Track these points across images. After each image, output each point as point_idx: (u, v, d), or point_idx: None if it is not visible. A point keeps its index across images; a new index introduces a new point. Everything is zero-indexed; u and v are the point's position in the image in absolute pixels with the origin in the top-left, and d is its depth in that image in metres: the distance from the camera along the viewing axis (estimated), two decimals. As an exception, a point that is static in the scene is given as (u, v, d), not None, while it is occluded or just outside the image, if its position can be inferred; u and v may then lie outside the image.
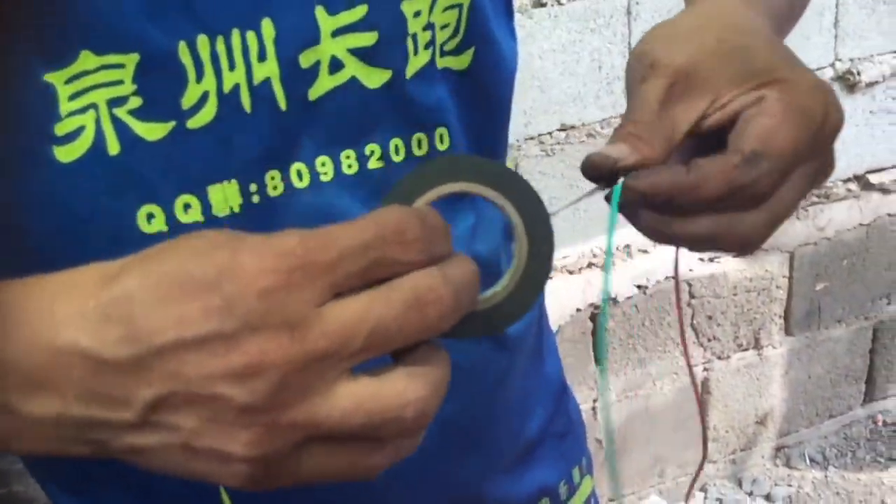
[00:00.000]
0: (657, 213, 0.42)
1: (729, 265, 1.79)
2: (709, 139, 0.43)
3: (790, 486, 1.99)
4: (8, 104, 0.39)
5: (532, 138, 1.54)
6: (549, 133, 1.54)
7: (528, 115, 1.52)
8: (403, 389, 0.30)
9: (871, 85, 1.76)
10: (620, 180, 0.41)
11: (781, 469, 2.04)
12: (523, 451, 0.63)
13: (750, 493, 1.99)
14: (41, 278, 0.31)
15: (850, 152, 1.81)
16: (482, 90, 0.51)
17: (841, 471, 2.02)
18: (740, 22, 0.45)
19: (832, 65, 1.72)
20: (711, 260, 1.78)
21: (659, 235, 0.43)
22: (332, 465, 0.31)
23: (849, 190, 1.85)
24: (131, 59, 0.39)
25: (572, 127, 1.56)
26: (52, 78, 0.38)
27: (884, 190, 1.88)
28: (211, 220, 0.43)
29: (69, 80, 0.39)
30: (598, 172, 0.41)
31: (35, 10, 0.38)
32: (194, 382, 0.29)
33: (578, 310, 1.69)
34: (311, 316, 0.29)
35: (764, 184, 0.40)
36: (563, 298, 1.65)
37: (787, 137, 0.40)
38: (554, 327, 1.66)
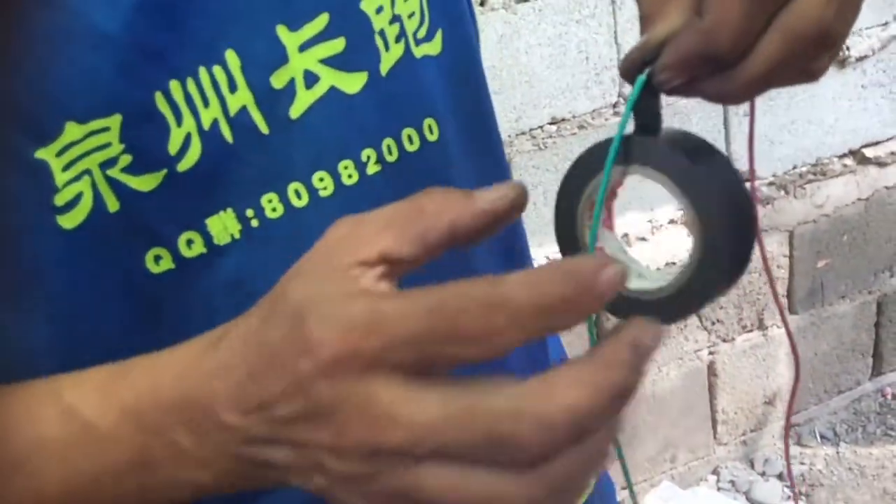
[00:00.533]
0: (716, 75, 0.37)
1: (728, 248, 1.79)
2: None
3: (802, 463, 2.00)
4: (7, 184, 0.40)
5: (523, 133, 1.54)
6: (541, 127, 1.54)
7: (518, 110, 1.52)
8: (499, 493, 0.29)
9: (861, 59, 1.76)
10: (644, 74, 0.36)
11: (793, 448, 2.04)
12: None
13: (762, 474, 1.99)
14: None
15: (844, 127, 1.81)
16: (460, 70, 0.52)
17: (852, 446, 2.02)
18: None
19: (821, 41, 1.71)
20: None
21: (742, 92, 0.38)
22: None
23: (845, 165, 1.85)
24: (115, 121, 0.40)
25: (563, 119, 1.55)
26: (43, 154, 0.39)
27: (880, 163, 1.88)
28: (214, 250, 0.43)
29: (59, 153, 0.39)
30: (635, 66, 0.37)
31: (15, 90, 0.39)
32: (301, 453, 0.32)
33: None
34: (378, 405, 0.30)
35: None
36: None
37: None
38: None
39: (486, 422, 0.28)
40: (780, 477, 1.98)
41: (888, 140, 1.87)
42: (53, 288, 0.42)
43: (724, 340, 1.89)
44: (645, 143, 0.35)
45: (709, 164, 0.34)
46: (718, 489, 1.96)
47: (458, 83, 0.52)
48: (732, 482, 1.97)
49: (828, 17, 0.35)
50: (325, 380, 0.30)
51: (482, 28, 1.44)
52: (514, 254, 0.58)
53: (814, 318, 1.96)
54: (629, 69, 0.37)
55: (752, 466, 2.01)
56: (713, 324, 1.86)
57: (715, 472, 2.01)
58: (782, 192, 1.81)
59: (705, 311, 1.83)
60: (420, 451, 0.29)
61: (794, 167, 1.80)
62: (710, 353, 1.89)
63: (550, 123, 1.55)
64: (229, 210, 0.43)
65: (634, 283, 0.36)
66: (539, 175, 1.57)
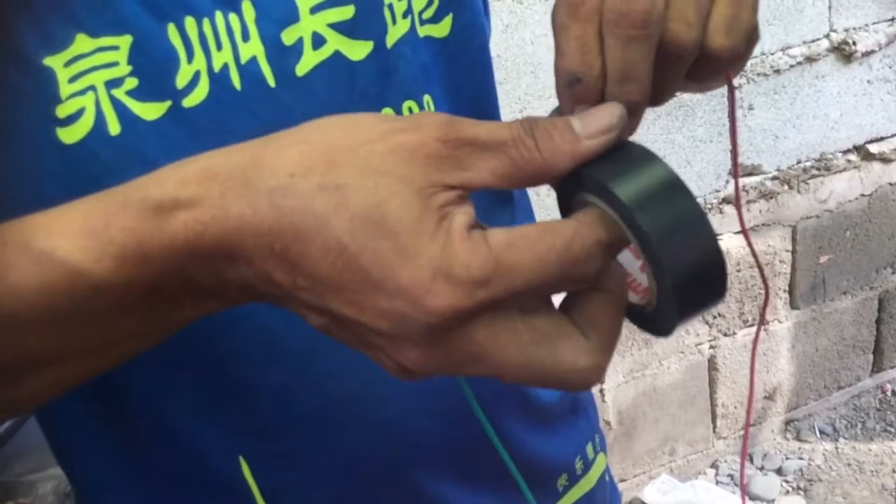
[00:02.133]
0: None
1: (731, 242, 1.79)
2: None
3: (801, 458, 2.00)
4: (11, 87, 0.40)
5: (527, 124, 1.53)
6: (545, 118, 1.54)
7: (522, 101, 1.51)
8: (569, 358, 0.32)
9: (867, 55, 1.75)
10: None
11: (792, 442, 2.05)
12: (541, 422, 0.63)
13: (761, 468, 1.99)
14: None
15: (849, 123, 1.81)
16: (465, 56, 0.53)
17: (851, 442, 2.02)
18: None
19: (827, 36, 1.71)
20: (713, 237, 1.78)
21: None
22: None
23: (849, 161, 1.85)
24: (125, 41, 0.41)
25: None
26: (50, 62, 0.40)
27: (884, 159, 1.87)
28: None
29: (67, 63, 0.40)
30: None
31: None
32: (364, 339, 0.32)
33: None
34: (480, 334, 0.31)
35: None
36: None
37: None
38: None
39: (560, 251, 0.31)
40: (778, 471, 1.98)
41: (893, 136, 1.86)
42: (47, 203, 0.41)
43: (725, 335, 1.89)
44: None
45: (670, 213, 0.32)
46: (717, 483, 1.97)
47: (462, 69, 0.52)
48: (731, 476, 1.98)
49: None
50: (424, 326, 0.30)
51: (488, 18, 1.44)
52: (510, 200, 0.59)
53: (815, 314, 1.96)
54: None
55: (751, 461, 2.01)
56: (714, 318, 1.86)
57: (714, 465, 2.01)
58: (786, 187, 1.81)
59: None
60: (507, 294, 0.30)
61: (798, 162, 1.80)
62: (711, 347, 1.89)
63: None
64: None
65: (631, 297, 0.36)
66: (542, 166, 1.56)
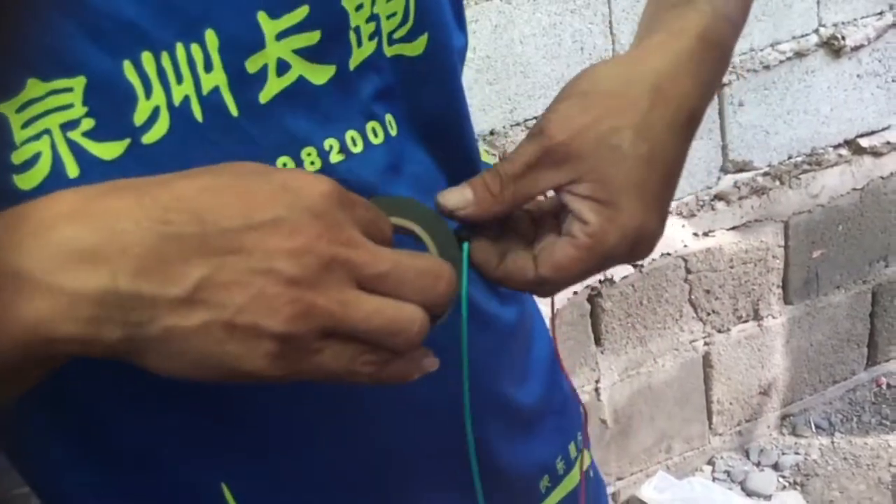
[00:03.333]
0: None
1: (724, 238, 1.79)
2: None
3: (797, 453, 2.00)
4: None
5: (518, 124, 1.53)
6: (535, 118, 1.54)
7: (512, 101, 1.51)
8: (414, 311, 0.38)
9: (856, 49, 1.75)
10: (466, 245, 0.48)
11: (788, 437, 2.05)
12: (521, 427, 0.63)
13: (758, 464, 1.99)
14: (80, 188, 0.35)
15: (840, 117, 1.81)
16: (438, 74, 0.52)
17: (847, 436, 2.02)
18: (644, 113, 0.46)
19: (816, 31, 1.71)
20: (706, 234, 1.78)
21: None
22: (346, 363, 0.38)
23: (840, 155, 1.85)
24: (78, 83, 0.40)
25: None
26: (2, 108, 0.39)
27: (875, 153, 1.87)
28: None
29: (20, 109, 0.39)
30: (440, 210, 0.47)
31: None
32: (254, 257, 0.34)
33: (575, 292, 1.69)
34: (355, 231, 0.37)
35: (541, 292, 0.49)
36: (559, 282, 1.65)
37: (575, 273, 0.47)
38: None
39: (424, 262, 0.40)
40: (775, 467, 1.98)
41: (883, 130, 1.86)
42: None
43: (720, 331, 1.89)
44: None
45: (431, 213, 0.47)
46: (714, 479, 1.97)
47: (431, 88, 0.52)
48: (728, 472, 1.98)
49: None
50: (320, 198, 0.36)
51: (477, 18, 1.43)
52: None
53: (809, 309, 1.96)
54: (441, 210, 0.47)
55: (748, 456, 2.01)
56: (708, 314, 1.86)
57: (710, 462, 2.01)
58: (777, 183, 1.81)
59: (700, 301, 1.83)
60: (373, 271, 0.37)
61: (790, 157, 1.80)
62: (706, 343, 1.89)
63: (545, 114, 1.55)
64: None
65: None
66: (534, 166, 1.56)
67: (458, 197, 0.47)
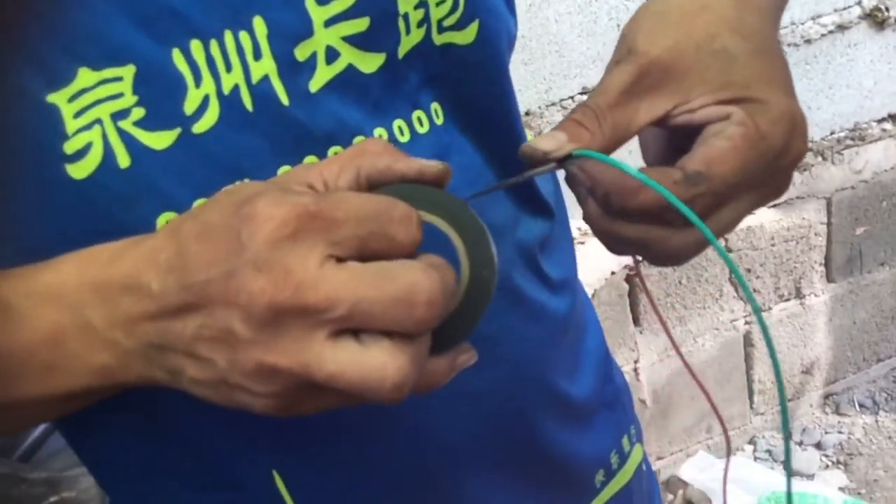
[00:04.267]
0: (599, 205, 0.44)
1: (765, 216, 1.77)
2: (683, 134, 0.43)
3: (840, 433, 1.98)
4: (16, 127, 0.40)
5: (554, 104, 1.52)
6: (571, 97, 1.53)
7: (548, 80, 1.50)
8: (383, 364, 0.33)
9: (901, 20, 1.71)
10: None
11: (831, 416, 2.02)
12: (575, 420, 0.63)
13: (800, 443, 1.98)
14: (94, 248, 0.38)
15: (883, 91, 1.77)
16: (488, 63, 0.51)
17: (891, 414, 1.99)
18: (735, 18, 0.44)
19: (859, 2, 1.67)
20: (746, 212, 1.76)
21: (594, 227, 0.45)
22: (348, 401, 0.36)
23: (884, 130, 1.81)
24: (128, 71, 0.40)
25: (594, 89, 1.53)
26: (54, 98, 0.39)
27: (921, 127, 1.83)
28: None
29: (71, 99, 0.40)
30: (531, 161, 0.43)
31: (30, 34, 0.39)
32: (215, 315, 0.33)
33: (613, 272, 1.68)
34: (308, 270, 0.33)
35: (700, 204, 0.41)
36: (597, 262, 1.64)
37: (736, 166, 0.41)
38: (590, 291, 1.65)
39: (393, 285, 0.33)
40: (817, 446, 1.96)
41: (929, 103, 1.82)
42: (56, 240, 0.41)
43: (761, 310, 1.87)
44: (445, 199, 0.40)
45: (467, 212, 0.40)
46: (755, 459, 1.95)
47: (480, 76, 0.51)
48: (769, 451, 1.96)
49: (688, 253, 0.44)
50: (264, 245, 0.33)
51: (511, -2, 1.43)
52: (534, 206, 0.58)
53: (852, 286, 1.93)
54: (529, 162, 0.42)
55: (790, 435, 2.00)
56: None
57: (751, 441, 2.00)
58: (819, 159, 1.78)
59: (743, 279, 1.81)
60: (332, 316, 0.33)
61: (832, 133, 1.76)
62: (747, 322, 1.87)
63: (581, 93, 1.54)
64: (246, 180, 0.43)
65: None
66: (571, 146, 1.55)
67: (549, 141, 0.42)
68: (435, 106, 0.49)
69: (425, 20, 0.47)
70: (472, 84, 0.51)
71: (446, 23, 0.48)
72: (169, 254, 0.35)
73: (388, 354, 0.33)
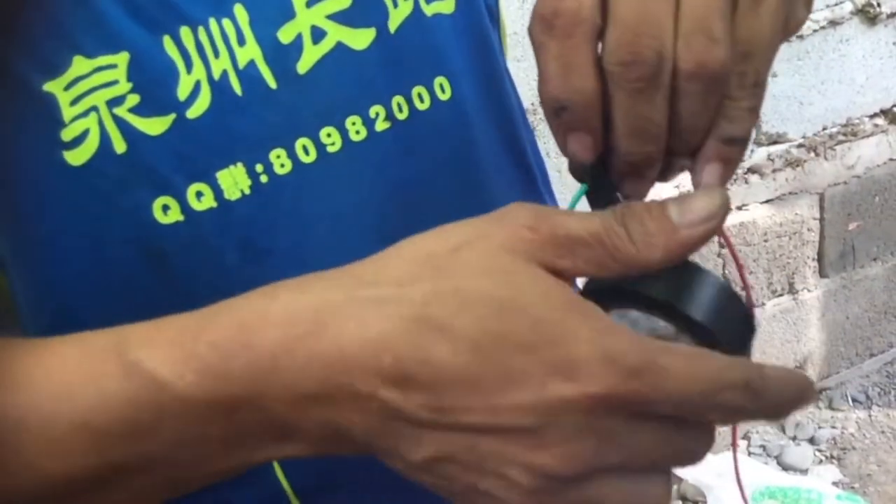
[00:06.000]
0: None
1: (758, 212, 1.77)
2: None
3: (834, 427, 1.99)
4: (13, 115, 0.41)
5: (547, 100, 1.52)
6: (565, 94, 1.53)
7: (541, 77, 1.50)
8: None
9: (892, 16, 1.72)
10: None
11: (824, 411, 2.03)
12: None
13: (794, 438, 1.98)
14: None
15: (875, 86, 1.77)
16: (474, 31, 0.51)
17: (885, 409, 2.00)
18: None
19: (851, -2, 1.68)
20: (739, 208, 1.76)
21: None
22: None
23: (876, 125, 1.82)
24: (122, 59, 0.41)
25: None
26: (50, 87, 0.40)
27: (912, 122, 1.84)
28: (224, 205, 0.44)
29: (67, 87, 0.41)
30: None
31: (25, 22, 0.40)
32: (488, 460, 0.30)
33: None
34: (621, 433, 0.29)
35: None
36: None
37: (771, 37, 0.35)
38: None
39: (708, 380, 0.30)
40: (811, 441, 1.97)
41: (921, 98, 1.83)
42: (55, 226, 0.42)
43: (754, 305, 1.88)
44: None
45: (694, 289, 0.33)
46: (749, 454, 1.96)
47: (472, 43, 0.51)
48: (763, 447, 1.97)
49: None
50: (576, 412, 0.29)
51: (504, -6, 1.43)
52: (535, 185, 0.58)
53: (845, 281, 1.94)
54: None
55: (784, 431, 2.00)
56: (742, 289, 1.85)
57: (746, 436, 2.00)
58: (812, 154, 1.78)
59: (734, 275, 1.81)
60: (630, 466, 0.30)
61: (824, 128, 1.77)
62: (740, 318, 1.88)
63: (574, 90, 1.54)
64: (239, 164, 0.44)
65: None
66: (564, 142, 1.55)
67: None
68: (440, 80, 0.48)
69: None
70: (468, 55, 0.50)
71: None
72: (424, 379, 0.29)
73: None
